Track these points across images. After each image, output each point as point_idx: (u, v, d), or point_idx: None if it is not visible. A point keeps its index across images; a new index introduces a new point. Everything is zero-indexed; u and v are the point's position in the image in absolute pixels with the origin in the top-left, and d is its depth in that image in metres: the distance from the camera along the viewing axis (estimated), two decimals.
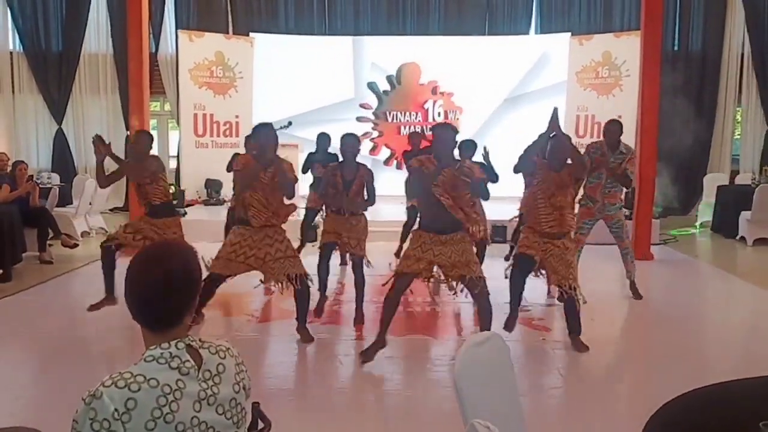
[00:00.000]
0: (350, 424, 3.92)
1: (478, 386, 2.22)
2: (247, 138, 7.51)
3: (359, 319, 5.65)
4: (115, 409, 1.54)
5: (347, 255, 6.15)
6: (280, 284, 5.06)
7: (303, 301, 5.11)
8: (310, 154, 7.63)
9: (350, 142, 5.69)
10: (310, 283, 5.10)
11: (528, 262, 5.05)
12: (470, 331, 5.52)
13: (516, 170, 5.48)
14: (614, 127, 6.40)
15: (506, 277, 5.19)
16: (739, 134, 12.81)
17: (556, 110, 5.16)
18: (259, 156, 4.97)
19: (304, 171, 7.51)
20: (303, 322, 5.18)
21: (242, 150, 11.47)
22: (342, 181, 5.61)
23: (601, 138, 6.51)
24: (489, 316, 4.55)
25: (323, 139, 7.58)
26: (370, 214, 5.84)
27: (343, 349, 5.08)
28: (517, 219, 6.83)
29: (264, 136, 4.96)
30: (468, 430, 1.80)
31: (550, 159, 5.05)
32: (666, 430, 2.12)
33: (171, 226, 5.63)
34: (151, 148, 5.73)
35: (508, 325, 5.13)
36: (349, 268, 6.14)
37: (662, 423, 2.19)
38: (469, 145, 6.82)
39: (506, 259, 7.86)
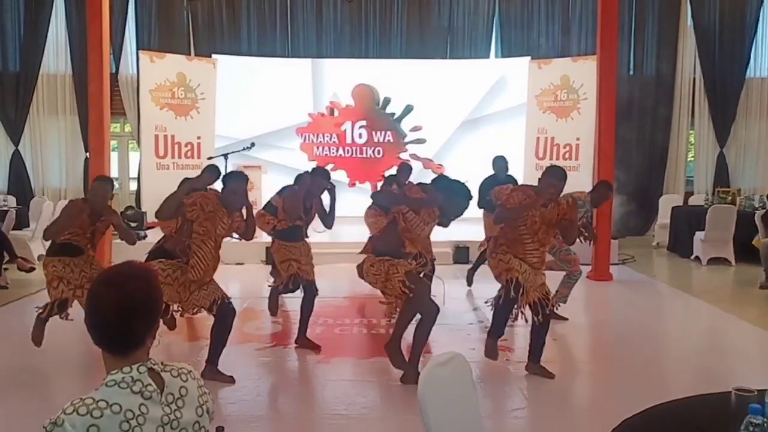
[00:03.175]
0: None
1: (441, 406, 2.24)
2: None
3: (304, 342, 5.55)
4: None
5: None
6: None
7: (223, 333, 4.69)
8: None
9: (321, 181, 5.66)
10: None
11: (520, 288, 4.75)
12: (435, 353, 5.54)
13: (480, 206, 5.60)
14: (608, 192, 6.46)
15: (489, 304, 5.14)
16: (692, 156, 13.19)
17: None
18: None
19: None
20: (216, 362, 4.68)
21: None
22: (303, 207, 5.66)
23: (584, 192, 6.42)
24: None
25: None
26: (330, 236, 5.89)
27: (306, 373, 5.05)
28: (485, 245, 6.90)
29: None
30: None
31: (541, 192, 4.78)
32: None
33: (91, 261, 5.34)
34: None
35: (491, 352, 5.02)
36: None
37: None
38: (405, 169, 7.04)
39: (468, 283, 7.86)
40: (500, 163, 7.67)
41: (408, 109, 12.40)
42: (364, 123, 12.50)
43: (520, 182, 7.88)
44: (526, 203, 4.73)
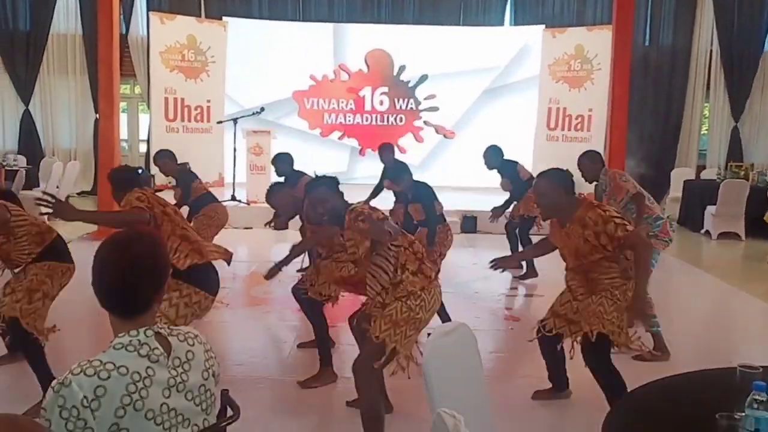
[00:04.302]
0: (319, 412, 3.94)
1: (445, 375, 2.25)
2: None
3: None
4: (84, 397, 1.54)
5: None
6: None
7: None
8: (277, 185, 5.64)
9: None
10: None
11: (554, 339, 3.79)
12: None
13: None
14: (587, 162, 5.17)
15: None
16: (706, 129, 13.05)
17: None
18: None
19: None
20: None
21: (213, 135, 11.32)
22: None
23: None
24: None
25: (283, 161, 6.42)
26: None
27: (312, 336, 5.08)
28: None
29: None
30: (434, 418, 1.83)
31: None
32: (628, 417, 2.18)
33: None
34: None
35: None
36: None
37: (625, 410, 2.26)
38: (400, 171, 5.64)
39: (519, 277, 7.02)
40: (491, 154, 6.87)
41: (423, 78, 12.29)
42: (385, 90, 12.36)
43: (520, 159, 7.40)
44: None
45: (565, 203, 3.45)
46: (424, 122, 12.35)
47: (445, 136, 12.35)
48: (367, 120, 12.42)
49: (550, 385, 4.05)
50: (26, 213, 3.93)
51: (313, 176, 3.98)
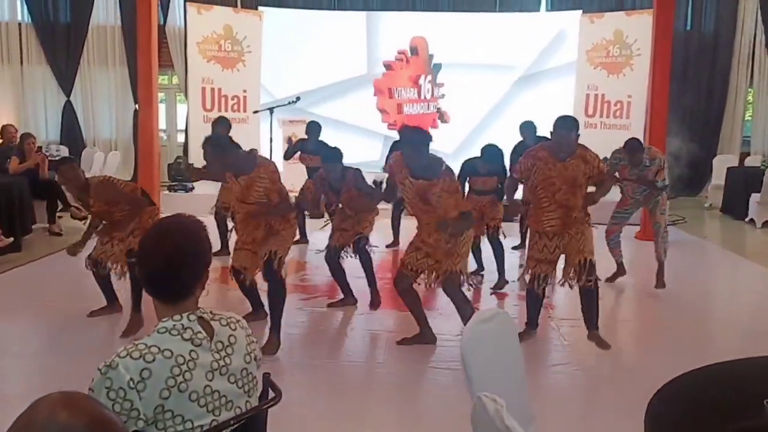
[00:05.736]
0: (357, 396, 3.96)
1: (484, 361, 2.24)
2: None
3: (375, 302, 5.43)
4: (131, 379, 1.58)
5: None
6: None
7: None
8: (301, 141, 7.81)
9: (332, 154, 5.35)
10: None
11: (544, 280, 4.53)
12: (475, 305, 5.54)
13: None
14: (633, 146, 5.91)
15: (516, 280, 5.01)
16: (750, 115, 12.71)
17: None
18: None
19: (288, 157, 7.96)
20: None
21: (250, 125, 11.38)
22: (331, 191, 5.38)
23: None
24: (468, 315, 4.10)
25: (314, 127, 7.66)
26: None
27: (351, 323, 5.12)
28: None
29: None
30: (475, 402, 1.83)
31: (553, 147, 4.39)
32: (670, 405, 2.14)
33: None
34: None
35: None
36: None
37: (666, 399, 2.22)
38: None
39: (514, 248, 7.47)
40: (526, 128, 7.21)
41: (437, 67, 12.16)
42: (430, 78, 12.23)
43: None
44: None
45: (574, 141, 4.32)
46: (436, 109, 12.25)
47: (443, 120, 12.21)
48: (421, 109, 12.29)
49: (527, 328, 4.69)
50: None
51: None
